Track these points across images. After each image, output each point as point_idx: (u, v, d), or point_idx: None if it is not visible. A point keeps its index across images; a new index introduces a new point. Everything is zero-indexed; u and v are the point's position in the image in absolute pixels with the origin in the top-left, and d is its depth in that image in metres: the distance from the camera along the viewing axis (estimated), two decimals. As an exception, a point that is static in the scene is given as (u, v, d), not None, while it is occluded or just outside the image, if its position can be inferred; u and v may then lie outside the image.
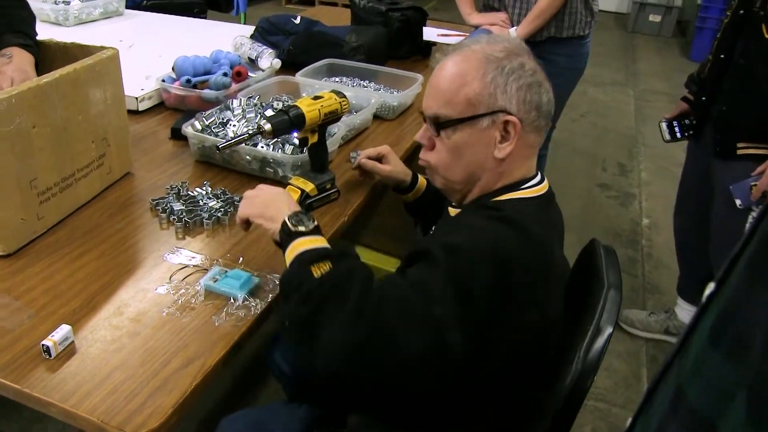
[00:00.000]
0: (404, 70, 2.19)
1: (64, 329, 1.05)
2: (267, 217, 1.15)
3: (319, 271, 0.98)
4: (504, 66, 1.13)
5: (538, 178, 1.21)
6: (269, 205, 1.16)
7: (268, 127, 1.35)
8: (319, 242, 1.07)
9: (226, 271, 1.24)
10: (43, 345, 1.03)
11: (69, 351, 1.05)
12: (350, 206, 1.54)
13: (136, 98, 1.89)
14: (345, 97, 1.50)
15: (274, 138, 1.44)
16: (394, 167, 1.58)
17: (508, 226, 1.06)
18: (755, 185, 1.93)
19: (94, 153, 1.42)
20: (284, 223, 1.09)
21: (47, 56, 1.57)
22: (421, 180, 1.61)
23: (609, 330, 1.13)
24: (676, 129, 2.33)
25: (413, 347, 0.94)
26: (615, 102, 5.06)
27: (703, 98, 2.11)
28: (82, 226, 1.38)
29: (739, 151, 1.98)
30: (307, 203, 1.48)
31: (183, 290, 1.21)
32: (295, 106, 1.41)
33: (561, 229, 1.25)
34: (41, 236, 1.33)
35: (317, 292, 0.96)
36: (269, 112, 1.70)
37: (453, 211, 1.27)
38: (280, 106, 1.74)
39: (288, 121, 1.38)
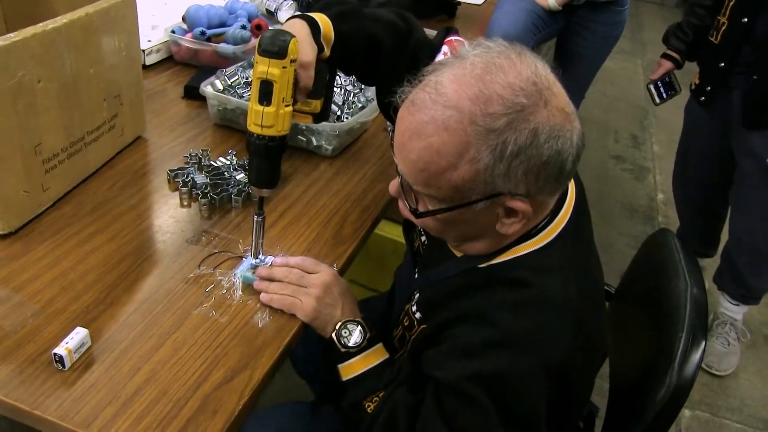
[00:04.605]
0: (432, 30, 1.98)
1: (81, 333, 0.86)
2: (318, 324, 1.00)
3: (372, 405, 0.96)
4: (506, 143, 0.75)
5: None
6: (320, 309, 0.99)
7: (258, 190, 1.01)
8: (371, 360, 0.98)
9: (265, 259, 1.06)
10: (55, 354, 0.84)
11: (86, 360, 0.86)
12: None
13: (143, 51, 1.66)
14: (279, 44, 0.89)
15: (273, 190, 1.04)
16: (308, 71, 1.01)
17: (546, 310, 0.84)
18: None
19: (106, 113, 1.21)
20: (332, 342, 0.99)
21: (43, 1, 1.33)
22: (325, 27, 1.03)
23: (703, 342, 1.01)
24: (662, 90, 2.26)
25: None
26: (624, 71, 4.89)
27: (722, 64, 1.98)
28: (90, 200, 1.17)
29: None
30: (322, 116, 1.13)
31: (215, 283, 1.02)
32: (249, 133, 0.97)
33: (596, 255, 1.00)
34: (44, 212, 1.12)
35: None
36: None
37: (459, 251, 0.97)
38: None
39: (268, 164, 0.99)
